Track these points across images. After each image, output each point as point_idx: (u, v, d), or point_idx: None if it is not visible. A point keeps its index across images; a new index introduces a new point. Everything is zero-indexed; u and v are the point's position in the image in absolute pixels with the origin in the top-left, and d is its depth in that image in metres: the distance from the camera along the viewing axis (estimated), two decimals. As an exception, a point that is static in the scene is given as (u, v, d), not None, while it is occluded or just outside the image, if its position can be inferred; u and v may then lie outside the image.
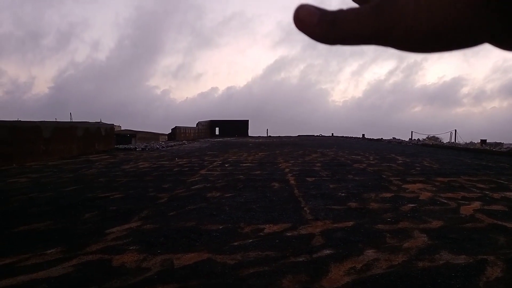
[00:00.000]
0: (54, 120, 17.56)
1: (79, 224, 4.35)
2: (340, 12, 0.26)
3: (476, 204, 5.27)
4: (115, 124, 22.69)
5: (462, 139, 27.61)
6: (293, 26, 0.28)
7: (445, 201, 5.47)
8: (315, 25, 0.27)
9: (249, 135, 49.71)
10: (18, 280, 2.76)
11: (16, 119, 12.81)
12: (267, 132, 52.63)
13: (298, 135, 48.42)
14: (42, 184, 7.35)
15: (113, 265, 3.08)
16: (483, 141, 20.80)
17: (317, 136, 47.73)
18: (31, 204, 5.48)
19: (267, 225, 4.20)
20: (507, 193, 6.19)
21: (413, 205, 5.22)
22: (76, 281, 2.76)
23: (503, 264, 3.05)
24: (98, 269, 2.99)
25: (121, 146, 19.51)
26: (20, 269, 2.97)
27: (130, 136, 33.87)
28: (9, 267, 3.03)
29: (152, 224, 4.30)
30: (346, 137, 40.92)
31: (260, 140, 32.39)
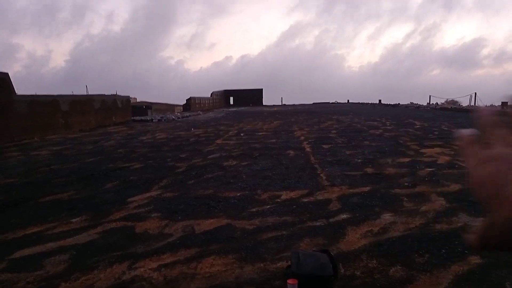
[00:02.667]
0: (71, 93, 17.77)
1: (101, 193, 4.49)
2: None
3: (496, 167, 5.19)
4: (130, 96, 22.84)
5: (482, 102, 26.87)
6: None
7: (463, 165, 5.40)
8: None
9: (263, 104, 49.46)
10: (47, 247, 2.90)
11: (34, 93, 13.01)
12: (281, 101, 52.24)
13: (313, 103, 47.93)
14: (63, 156, 7.55)
15: (136, 231, 3.19)
16: (504, 104, 20.23)
17: (333, 103, 47.14)
18: (54, 175, 5.66)
19: (284, 191, 4.26)
20: (529, 155, 6.07)
21: (430, 169, 5.18)
22: (102, 247, 2.88)
23: (522, 225, 3.03)
24: (122, 236, 3.11)
25: (137, 118, 19.71)
26: (48, 237, 3.11)
27: (146, 107, 34.11)
28: (37, 235, 3.17)
29: (172, 192, 4.40)
30: (362, 103, 40.32)
31: (275, 109, 32.24)
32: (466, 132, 0.37)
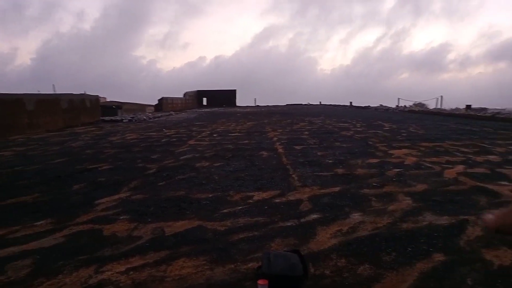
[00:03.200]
0: (37, 92, 17.14)
1: (68, 195, 4.35)
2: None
3: (460, 168, 5.41)
4: (100, 96, 22.28)
5: (448, 105, 27.91)
6: None
7: (430, 165, 5.59)
8: None
9: (237, 105, 49.40)
10: (9, 251, 2.78)
11: (-3, 92, 12.45)
12: (255, 102, 52.36)
13: (287, 104, 48.30)
14: (28, 157, 7.27)
15: (104, 234, 3.11)
16: (468, 107, 21.10)
17: (305, 105, 47.66)
18: (18, 177, 5.44)
19: (256, 192, 4.26)
20: (490, 156, 6.35)
21: (398, 170, 5.33)
22: (68, 250, 2.79)
23: (483, 223, 3.17)
24: (89, 239, 3.02)
25: (107, 118, 19.24)
26: (10, 241, 2.98)
27: (116, 107, 33.33)
28: (-1, 239, 3.04)
29: (142, 194, 4.32)
30: (334, 105, 40.98)
31: (248, 110, 32.27)
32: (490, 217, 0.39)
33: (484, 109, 20.17)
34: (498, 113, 16.55)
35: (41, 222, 3.41)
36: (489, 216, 0.28)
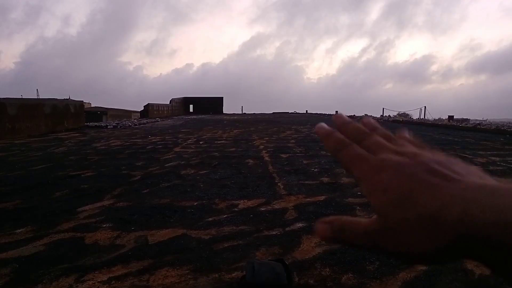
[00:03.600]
0: (20, 97, 16.83)
1: (50, 202, 4.26)
2: (350, 223, 0.32)
3: (442, 178, 5.49)
4: (85, 101, 21.99)
5: (431, 115, 28.44)
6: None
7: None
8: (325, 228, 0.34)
9: (223, 112, 49.40)
10: (-14, 260, 2.70)
11: (-22, 96, 12.20)
12: (242, 110, 52.44)
13: (273, 113, 48.52)
14: (9, 163, 7.11)
15: (86, 242, 3.05)
16: (451, 117, 21.55)
17: (292, 113, 47.94)
18: (-3, 183, 5.31)
19: (242, 200, 4.25)
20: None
21: (383, 179, 5.38)
22: (48, 259, 2.73)
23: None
24: (71, 247, 2.96)
25: (91, 124, 19.00)
26: (-12, 249, 2.90)
27: (100, 113, 32.97)
28: (-24, 247, 2.95)
29: (126, 201, 4.26)
30: (320, 114, 41.33)
31: (235, 117, 32.28)
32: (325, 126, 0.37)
33: (466, 119, 20.64)
34: (479, 124, 16.94)
35: (21, 229, 3.33)
36: (322, 225, 0.28)
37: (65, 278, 2.42)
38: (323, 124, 0.34)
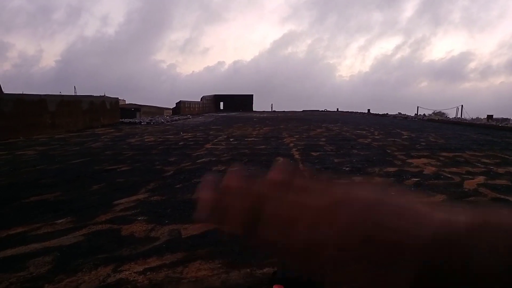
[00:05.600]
0: (59, 93, 17.56)
1: (87, 195, 4.44)
2: None
3: (480, 179, 5.29)
4: (119, 98, 22.66)
5: (468, 114, 27.40)
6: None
7: (449, 176, 5.49)
8: None
9: (253, 110, 49.53)
10: (31, 247, 2.85)
11: (21, 92, 12.84)
12: (271, 107, 52.40)
13: (303, 110, 48.21)
14: (49, 157, 7.44)
15: (122, 234, 3.16)
16: (490, 117, 20.65)
17: (322, 111, 47.48)
18: (39, 176, 5.58)
19: (272, 197, 4.26)
20: (512, 168, 6.20)
21: (416, 179, 5.25)
22: (87, 249, 2.85)
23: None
24: (108, 238, 3.08)
25: (126, 120, 19.56)
26: (32, 238, 3.06)
27: (134, 110, 33.87)
28: (21, 235, 3.12)
29: (159, 196, 4.37)
30: (352, 112, 40.70)
31: (265, 115, 32.32)
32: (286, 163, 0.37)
33: (506, 119, 19.72)
34: (521, 124, 16.15)
35: (62, 220, 3.49)
36: None
37: (103, 267, 2.52)
38: None
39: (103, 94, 18.83)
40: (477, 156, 7.44)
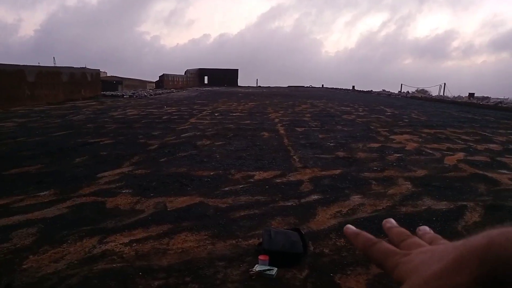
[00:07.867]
0: (37, 64, 16.99)
1: (71, 168, 4.38)
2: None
3: (460, 155, 5.43)
4: (101, 70, 22.09)
5: (450, 92, 27.75)
6: None
7: (430, 152, 5.61)
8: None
9: (238, 84, 49.05)
10: (14, 220, 2.82)
11: (-2, 63, 12.35)
12: (257, 82, 51.98)
13: (288, 86, 48.00)
14: (30, 129, 7.27)
15: (107, 207, 3.15)
16: (471, 95, 20.99)
17: (308, 87, 47.37)
18: (20, 148, 5.46)
19: (257, 172, 4.29)
20: (491, 145, 6.37)
21: (399, 155, 5.35)
22: (71, 221, 2.83)
23: (482, 209, 3.22)
24: (92, 211, 3.06)
25: (107, 93, 19.14)
26: (15, 210, 3.02)
27: (116, 83, 33.10)
28: (3, 207, 3.08)
29: (144, 169, 4.35)
30: (337, 88, 40.74)
31: (250, 90, 32.09)
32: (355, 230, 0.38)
33: (487, 98, 20.05)
34: (500, 102, 16.49)
35: (45, 192, 3.45)
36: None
37: (88, 239, 2.52)
38: (350, 226, 0.36)
39: (84, 66, 18.28)
40: (457, 133, 7.61)
